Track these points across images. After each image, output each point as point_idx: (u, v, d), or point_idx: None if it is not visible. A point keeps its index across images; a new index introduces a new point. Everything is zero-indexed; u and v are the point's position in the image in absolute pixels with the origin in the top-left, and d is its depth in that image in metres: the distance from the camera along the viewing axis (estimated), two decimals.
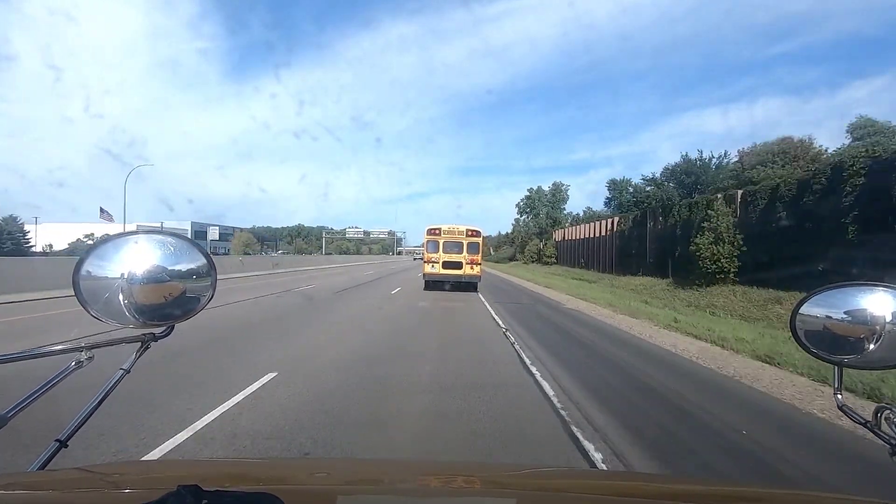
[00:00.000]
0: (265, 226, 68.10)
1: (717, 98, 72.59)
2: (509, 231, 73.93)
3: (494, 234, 79.27)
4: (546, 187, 48.66)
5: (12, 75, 77.49)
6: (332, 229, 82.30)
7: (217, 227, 45.04)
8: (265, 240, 68.34)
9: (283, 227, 77.28)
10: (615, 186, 39.28)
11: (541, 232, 46.64)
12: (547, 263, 30.22)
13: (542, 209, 47.35)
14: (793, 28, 66.90)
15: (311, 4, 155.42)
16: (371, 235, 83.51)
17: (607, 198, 39.86)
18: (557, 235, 33.58)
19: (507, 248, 63.87)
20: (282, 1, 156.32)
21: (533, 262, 36.74)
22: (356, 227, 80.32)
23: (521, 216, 50.31)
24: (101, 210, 31.01)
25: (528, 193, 49.27)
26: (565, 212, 48.03)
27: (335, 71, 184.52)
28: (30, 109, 79.60)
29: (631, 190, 37.64)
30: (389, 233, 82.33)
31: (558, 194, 48.08)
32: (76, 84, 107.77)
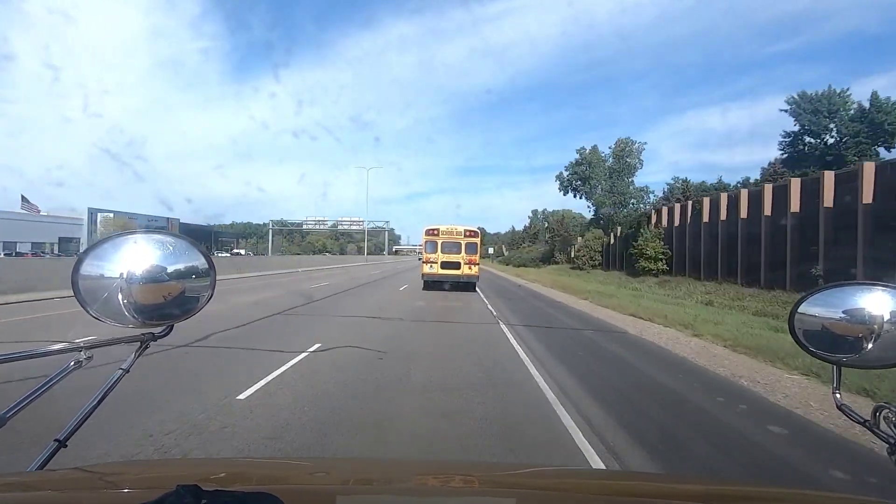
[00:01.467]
0: (245, 222, 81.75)
1: (718, 97, 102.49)
2: (527, 225, 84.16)
3: (503, 230, 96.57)
4: (607, 148, 46.11)
5: (12, 75, 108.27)
6: (281, 220, 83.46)
7: (111, 214, 47.35)
8: (227, 237, 74.18)
9: (264, 224, 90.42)
10: (819, 106, 29.99)
11: (597, 217, 45.56)
12: (649, 272, 23.19)
13: (601, 181, 44.76)
14: (795, 26, 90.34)
15: (310, 4, 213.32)
16: (340, 227, 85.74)
17: (787, 135, 32.96)
18: (655, 217, 26.58)
19: (528, 245, 67.07)
20: (281, 1, 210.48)
21: (595, 266, 33.64)
22: (317, 218, 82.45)
23: (566, 194, 48.56)
24: (23, 198, 33.24)
25: (577, 157, 46.83)
26: (637, 185, 45.29)
27: (334, 71, 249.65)
28: (29, 109, 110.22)
29: (866, 104, 27.48)
30: (379, 226, 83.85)
31: (628, 158, 44.91)
32: (75, 83, 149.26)
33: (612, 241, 33.08)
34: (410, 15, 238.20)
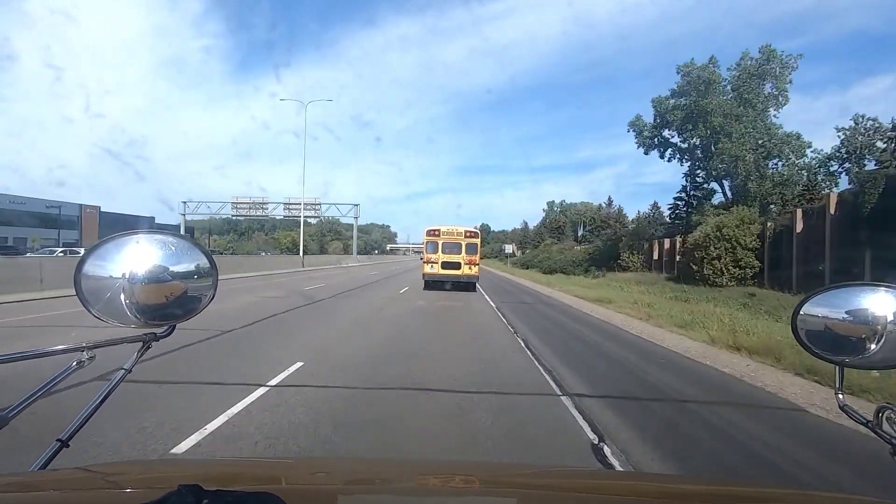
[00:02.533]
0: (226, 216, 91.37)
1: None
2: (544, 219, 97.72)
3: (508, 228, 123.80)
4: (726, 68, 40.39)
5: (13, 75, 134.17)
6: (190, 202, 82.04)
7: None
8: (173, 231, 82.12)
9: (243, 219, 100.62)
10: None
11: (692, 187, 42.38)
12: None
13: (727, 121, 38.47)
14: (797, 25, 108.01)
15: (311, 3, 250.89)
16: (287, 212, 79.87)
17: None
18: None
19: (553, 243, 72.71)
20: (282, 0, 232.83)
21: (747, 279, 26.64)
22: (250, 200, 79.40)
23: (648, 151, 45.49)
24: None
25: (678, 83, 41.96)
26: (782, 128, 39.09)
27: (335, 70, 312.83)
28: (30, 108, 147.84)
29: None
30: (336, 213, 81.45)
31: (763, 84, 39.35)
32: (76, 83, 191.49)
33: (798, 227, 26.06)
34: (411, 14, 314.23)
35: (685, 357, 11.25)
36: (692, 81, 40.90)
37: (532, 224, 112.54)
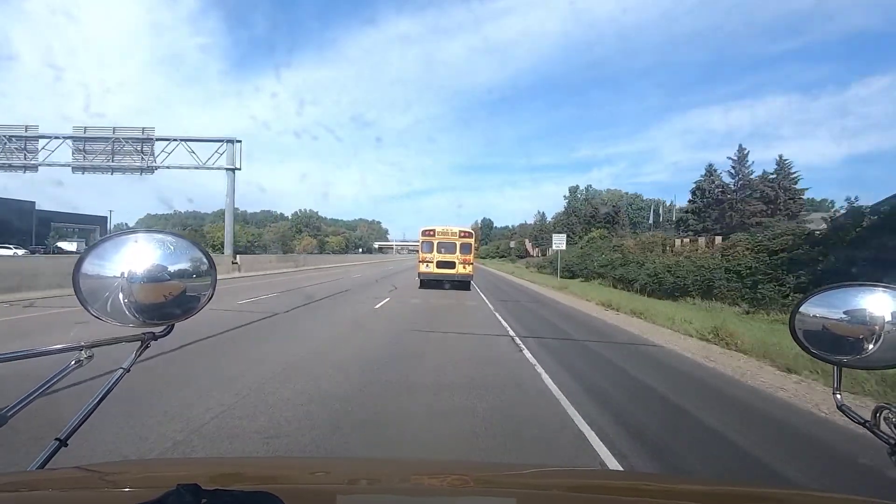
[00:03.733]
0: (193, 210, 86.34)
1: (723, 95, 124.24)
2: (566, 208, 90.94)
3: (513, 224, 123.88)
4: None
5: (15, 74, 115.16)
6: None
7: None
8: (66, 222, 76.38)
9: (212, 212, 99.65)
10: None
11: None
12: None
13: None
14: (800, 25, 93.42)
15: (312, 2, 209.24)
16: (80, 157, 39.29)
17: None
18: None
19: (599, 237, 55.20)
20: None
21: None
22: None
23: None
24: None
25: None
26: None
27: (336, 70, 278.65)
28: (30, 106, 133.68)
29: None
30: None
31: None
32: (76, 82, 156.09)
33: None
34: (412, 13, 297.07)
35: None
36: None
37: (550, 215, 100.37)
